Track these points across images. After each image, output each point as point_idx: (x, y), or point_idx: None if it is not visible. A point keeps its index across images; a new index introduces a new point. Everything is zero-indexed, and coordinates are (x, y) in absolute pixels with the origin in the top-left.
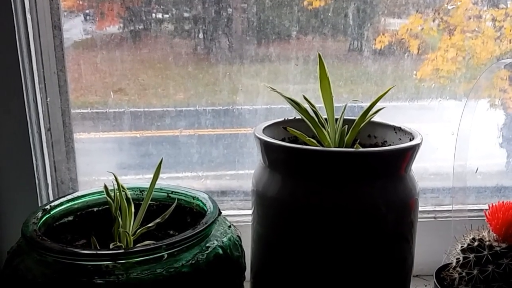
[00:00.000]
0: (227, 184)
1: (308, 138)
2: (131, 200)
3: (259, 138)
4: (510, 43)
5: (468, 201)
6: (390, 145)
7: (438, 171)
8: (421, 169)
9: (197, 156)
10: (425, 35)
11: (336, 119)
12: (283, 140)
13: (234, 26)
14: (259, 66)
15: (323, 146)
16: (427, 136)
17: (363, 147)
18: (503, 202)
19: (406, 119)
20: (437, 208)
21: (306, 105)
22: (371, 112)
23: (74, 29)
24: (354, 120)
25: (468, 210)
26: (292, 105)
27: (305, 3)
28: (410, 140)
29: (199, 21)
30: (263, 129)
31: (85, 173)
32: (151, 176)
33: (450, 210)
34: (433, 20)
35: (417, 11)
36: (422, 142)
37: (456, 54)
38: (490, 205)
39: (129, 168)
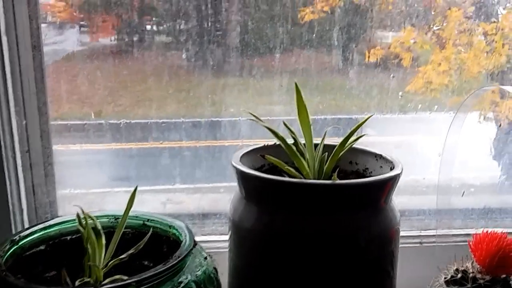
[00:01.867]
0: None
1: (287, 167)
2: (101, 231)
3: (235, 167)
4: (501, 56)
5: (455, 225)
6: (371, 172)
7: (430, 183)
8: (413, 181)
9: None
10: (417, 49)
11: (317, 145)
12: (262, 167)
13: (225, 39)
14: (248, 79)
15: (302, 174)
16: (419, 148)
17: (344, 174)
18: (487, 232)
19: (398, 131)
20: (423, 233)
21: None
22: (351, 140)
23: (68, 40)
24: (335, 146)
25: (453, 235)
26: (271, 132)
27: (298, 16)
28: (391, 169)
29: (188, 34)
30: (241, 156)
31: (68, 186)
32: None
33: (435, 235)
34: (425, 34)
35: (410, 25)
36: (402, 171)
37: (448, 67)
38: (474, 235)
39: (118, 180)
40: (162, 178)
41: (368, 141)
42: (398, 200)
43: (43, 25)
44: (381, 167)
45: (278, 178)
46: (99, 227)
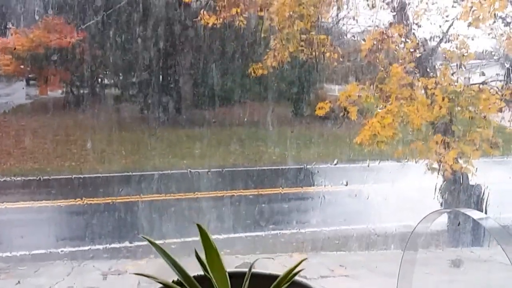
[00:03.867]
0: None
1: None
2: None
3: None
4: (441, 109)
5: None
6: None
7: (381, 232)
8: (366, 230)
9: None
10: (363, 102)
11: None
12: None
13: (180, 91)
14: (203, 130)
15: None
16: (369, 196)
17: None
18: None
19: (350, 179)
20: None
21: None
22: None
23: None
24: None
25: None
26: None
27: (250, 70)
28: None
29: (144, 86)
30: None
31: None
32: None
33: None
34: (369, 88)
35: (355, 79)
36: None
37: (393, 120)
38: None
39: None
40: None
41: (322, 191)
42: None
43: None
44: None
45: None
46: None
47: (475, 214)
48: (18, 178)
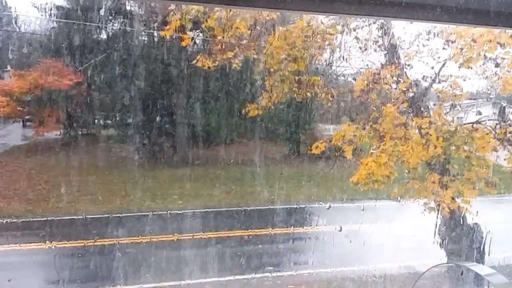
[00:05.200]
0: None
1: None
2: None
3: None
4: (436, 148)
5: None
6: None
7: (380, 273)
8: (363, 271)
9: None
10: (357, 141)
11: None
12: None
13: (173, 132)
14: (199, 169)
15: None
16: (366, 236)
17: None
18: None
19: (344, 220)
20: None
21: None
22: None
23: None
24: None
25: None
26: None
27: (243, 111)
28: None
29: (141, 127)
30: None
31: None
32: None
33: None
34: (363, 128)
35: (349, 119)
36: None
37: (388, 159)
38: None
39: None
40: None
41: (319, 231)
42: None
43: None
44: None
45: None
46: None
47: (482, 269)
48: (8, 220)
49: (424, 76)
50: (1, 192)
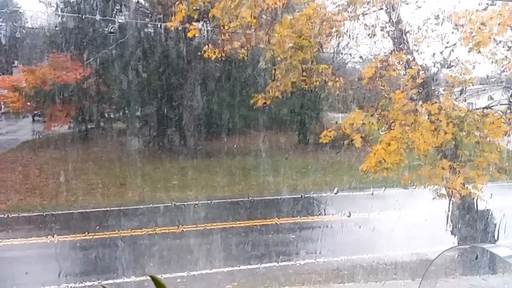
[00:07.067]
0: None
1: None
2: None
3: None
4: (446, 134)
5: None
6: None
7: (389, 260)
8: (370, 259)
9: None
10: (366, 129)
11: None
12: None
13: (185, 123)
14: (209, 160)
15: None
16: (376, 224)
17: None
18: None
19: (355, 208)
20: None
21: None
22: None
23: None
24: None
25: None
26: None
27: (252, 101)
28: None
29: (149, 119)
30: None
31: None
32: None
33: None
34: (372, 115)
35: (357, 107)
36: None
37: (398, 146)
38: None
39: None
40: None
41: (329, 220)
42: None
43: None
44: None
45: None
46: None
47: (502, 251)
48: (23, 215)
49: (433, 61)
50: (15, 187)
